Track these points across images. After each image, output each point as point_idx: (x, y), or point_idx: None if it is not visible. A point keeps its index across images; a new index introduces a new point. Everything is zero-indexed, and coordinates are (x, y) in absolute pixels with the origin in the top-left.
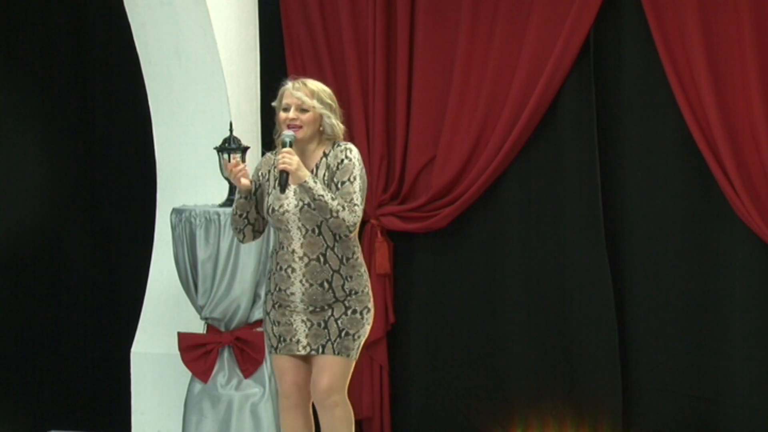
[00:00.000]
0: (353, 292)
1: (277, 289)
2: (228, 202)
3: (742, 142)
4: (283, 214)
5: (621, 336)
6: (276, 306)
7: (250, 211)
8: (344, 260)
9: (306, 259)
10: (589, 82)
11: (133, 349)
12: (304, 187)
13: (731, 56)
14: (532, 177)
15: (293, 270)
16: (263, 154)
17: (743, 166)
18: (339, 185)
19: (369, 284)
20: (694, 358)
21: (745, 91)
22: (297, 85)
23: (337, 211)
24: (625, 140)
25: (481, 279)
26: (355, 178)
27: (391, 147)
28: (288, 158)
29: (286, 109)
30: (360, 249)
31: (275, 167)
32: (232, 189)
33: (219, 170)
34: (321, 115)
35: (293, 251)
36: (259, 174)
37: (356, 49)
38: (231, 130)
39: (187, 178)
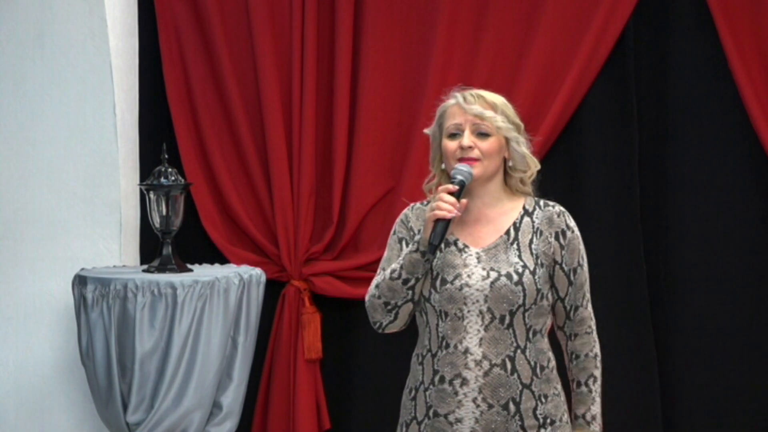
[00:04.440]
0: (549, 421)
1: (430, 414)
2: (160, 267)
3: None
4: (460, 288)
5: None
6: None
7: (423, 278)
8: (538, 370)
9: (486, 365)
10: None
11: None
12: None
13: None
14: None
15: (464, 382)
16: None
17: None
18: (571, 275)
19: (566, 406)
20: None
21: None
22: (470, 97)
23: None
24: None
25: None
26: (584, 263)
27: (326, 174)
28: (447, 199)
29: (455, 134)
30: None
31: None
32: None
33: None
34: (507, 141)
35: (466, 351)
36: (411, 231)
37: (272, 38)
38: None
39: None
